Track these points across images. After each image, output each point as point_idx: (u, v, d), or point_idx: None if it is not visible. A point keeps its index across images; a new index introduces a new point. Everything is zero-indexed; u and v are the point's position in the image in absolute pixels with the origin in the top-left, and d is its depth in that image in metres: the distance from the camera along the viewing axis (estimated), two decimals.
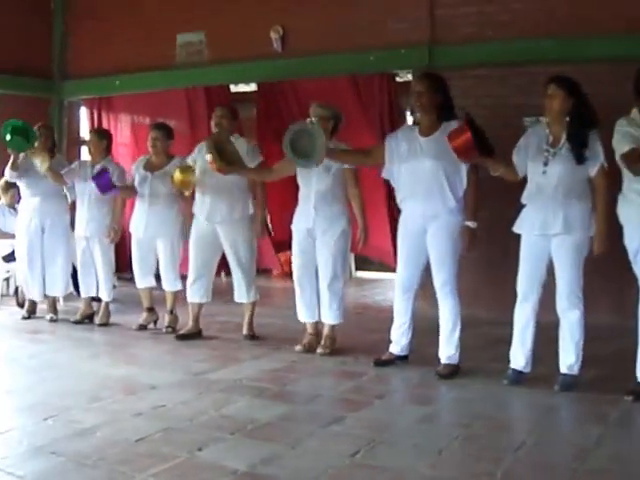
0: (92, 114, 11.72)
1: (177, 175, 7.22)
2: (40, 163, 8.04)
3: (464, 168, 5.90)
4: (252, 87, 10.86)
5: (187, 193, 7.38)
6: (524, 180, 5.78)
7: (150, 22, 10.69)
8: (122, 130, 11.58)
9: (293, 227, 6.97)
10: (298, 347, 6.95)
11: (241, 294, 7.43)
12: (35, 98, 11.18)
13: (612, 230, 5.49)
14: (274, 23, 9.73)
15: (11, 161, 8.17)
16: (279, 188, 8.88)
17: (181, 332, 7.50)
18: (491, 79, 8.49)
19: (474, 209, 5.95)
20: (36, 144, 8.08)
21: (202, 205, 7.32)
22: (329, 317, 6.85)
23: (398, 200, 6.22)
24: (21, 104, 10.81)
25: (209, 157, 6.80)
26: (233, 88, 10.83)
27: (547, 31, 8.12)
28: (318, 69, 9.55)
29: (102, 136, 8.35)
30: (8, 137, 7.94)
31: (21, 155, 8.19)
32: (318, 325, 7.03)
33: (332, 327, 6.88)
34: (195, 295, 7.46)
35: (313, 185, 6.74)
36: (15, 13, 10.95)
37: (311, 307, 6.97)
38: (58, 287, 8.51)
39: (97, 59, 11.18)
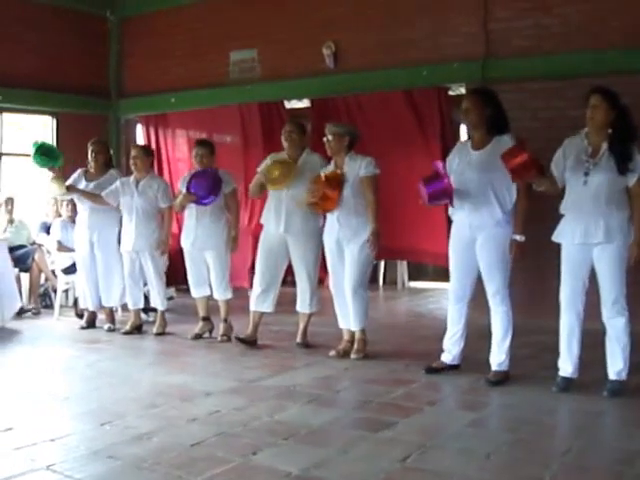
0: (148, 131, 11.89)
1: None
2: (57, 189, 8.33)
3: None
4: (305, 103, 10.94)
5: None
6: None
7: (203, 40, 10.85)
8: (179, 146, 11.73)
9: (324, 239, 7.14)
10: (332, 352, 7.07)
11: (304, 304, 7.52)
12: (93, 116, 11.41)
13: None
14: (326, 39, 9.80)
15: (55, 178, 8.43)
16: None
17: (241, 335, 7.58)
18: (547, 92, 8.44)
19: (522, 222, 5.96)
20: (53, 172, 8.34)
21: (278, 217, 7.37)
22: (353, 323, 6.99)
23: (449, 211, 6.31)
24: (80, 122, 11.09)
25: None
26: (287, 104, 10.92)
27: (604, 42, 8.08)
28: (371, 84, 9.59)
29: (149, 152, 8.53)
30: (33, 158, 8.33)
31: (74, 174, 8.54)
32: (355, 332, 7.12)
33: (361, 331, 7.00)
34: (261, 304, 7.52)
35: None
36: (72, 35, 11.23)
37: (347, 314, 7.08)
38: (114, 298, 8.67)
39: (152, 77, 11.38)
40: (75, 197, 8.63)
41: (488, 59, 8.77)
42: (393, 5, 9.42)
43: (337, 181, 6.88)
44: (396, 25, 9.37)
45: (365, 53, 9.56)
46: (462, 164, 6.13)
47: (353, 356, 6.91)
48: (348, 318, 7.09)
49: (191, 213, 7.96)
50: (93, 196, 8.42)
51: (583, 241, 5.62)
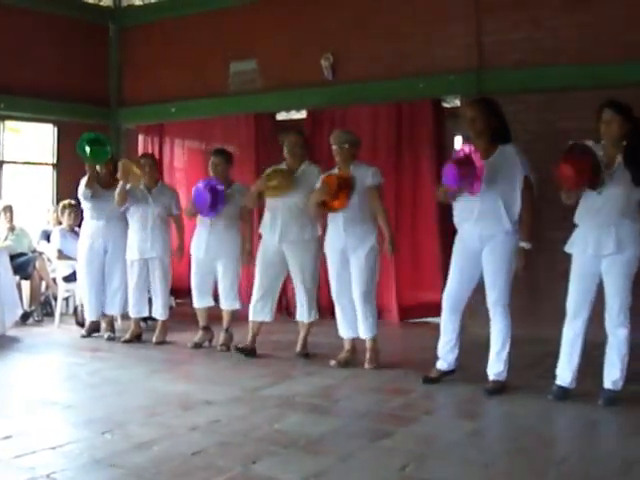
0: (147, 140, 11.89)
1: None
2: (132, 177, 8.13)
3: (519, 190, 5.98)
4: (303, 114, 10.90)
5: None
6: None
7: (204, 51, 10.88)
8: (177, 156, 11.75)
9: (326, 249, 7.15)
10: (333, 362, 7.08)
11: (302, 313, 7.52)
12: (94, 125, 11.38)
13: None
14: (325, 51, 9.83)
15: (88, 177, 8.36)
16: None
17: (240, 345, 7.60)
18: (539, 104, 8.47)
19: (529, 230, 6.01)
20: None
21: (273, 226, 7.39)
22: (363, 331, 6.99)
23: (455, 221, 6.32)
24: (80, 131, 10.99)
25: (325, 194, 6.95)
26: (283, 115, 10.92)
27: (594, 56, 8.10)
28: (368, 96, 9.62)
29: (156, 161, 8.54)
30: (88, 149, 8.16)
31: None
32: (355, 342, 7.15)
33: (372, 340, 7.00)
34: (259, 314, 7.53)
35: None
36: (74, 44, 11.27)
37: (350, 323, 7.11)
38: (116, 306, 8.66)
39: (152, 87, 11.41)
40: (91, 203, 8.47)
41: (481, 71, 8.81)
42: (390, 17, 9.44)
43: (348, 182, 6.89)
44: (393, 37, 9.39)
45: (363, 65, 9.59)
46: None
47: (367, 366, 6.90)
48: (350, 327, 7.12)
49: (204, 221, 7.98)
50: (125, 196, 8.15)
51: (595, 253, 5.66)
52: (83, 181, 8.41)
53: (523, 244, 5.98)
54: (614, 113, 5.61)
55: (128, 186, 8.20)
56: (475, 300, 6.29)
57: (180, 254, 8.40)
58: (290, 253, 7.40)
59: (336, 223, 6.98)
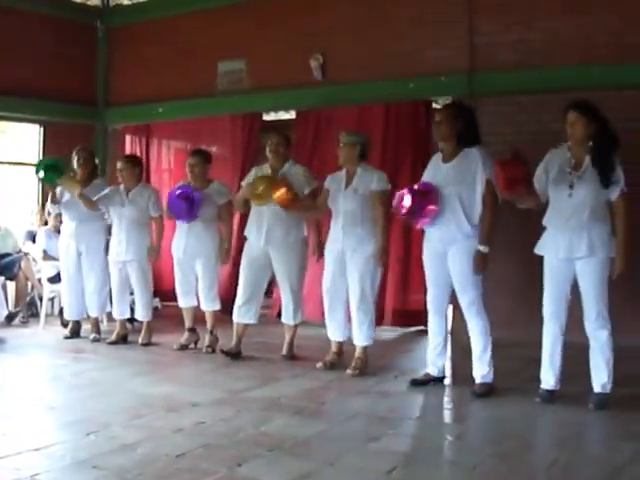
0: (134, 140, 11.84)
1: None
2: (69, 190, 8.29)
3: (479, 193, 5.99)
4: (292, 115, 10.88)
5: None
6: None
7: (192, 50, 10.83)
8: (164, 156, 11.71)
9: (326, 249, 7.10)
10: (319, 364, 7.04)
11: (288, 316, 7.49)
12: (81, 125, 11.38)
13: (631, 251, 5.62)
14: (314, 51, 9.81)
15: (50, 196, 8.49)
16: None
17: (225, 349, 7.55)
18: (532, 105, 8.44)
19: (487, 233, 5.99)
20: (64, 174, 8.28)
21: (259, 229, 7.37)
22: (358, 338, 6.91)
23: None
24: (67, 131, 11.06)
25: (282, 192, 6.96)
26: (272, 116, 10.90)
27: (589, 57, 8.08)
28: (358, 97, 9.58)
29: (135, 163, 8.47)
30: (42, 174, 8.26)
31: (58, 188, 8.44)
32: (343, 345, 7.13)
33: (363, 349, 6.93)
34: (244, 316, 7.50)
35: (340, 207, 6.89)
36: (62, 44, 11.21)
37: (340, 326, 7.07)
38: (94, 308, 8.61)
39: (140, 87, 11.36)
40: (62, 207, 8.55)
41: (473, 73, 8.77)
42: (381, 17, 9.41)
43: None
44: (384, 37, 9.36)
45: (353, 65, 9.54)
46: (435, 177, 6.19)
47: (349, 372, 6.82)
48: (342, 330, 7.07)
49: (182, 222, 7.95)
50: (90, 202, 8.24)
51: (567, 256, 5.66)
52: (49, 196, 8.55)
53: (480, 247, 5.97)
54: (578, 114, 5.64)
55: (107, 190, 8.32)
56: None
57: (155, 255, 8.31)
58: (276, 255, 7.37)
59: (336, 223, 6.95)
